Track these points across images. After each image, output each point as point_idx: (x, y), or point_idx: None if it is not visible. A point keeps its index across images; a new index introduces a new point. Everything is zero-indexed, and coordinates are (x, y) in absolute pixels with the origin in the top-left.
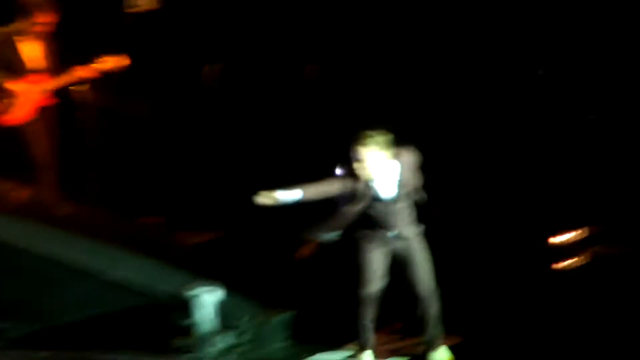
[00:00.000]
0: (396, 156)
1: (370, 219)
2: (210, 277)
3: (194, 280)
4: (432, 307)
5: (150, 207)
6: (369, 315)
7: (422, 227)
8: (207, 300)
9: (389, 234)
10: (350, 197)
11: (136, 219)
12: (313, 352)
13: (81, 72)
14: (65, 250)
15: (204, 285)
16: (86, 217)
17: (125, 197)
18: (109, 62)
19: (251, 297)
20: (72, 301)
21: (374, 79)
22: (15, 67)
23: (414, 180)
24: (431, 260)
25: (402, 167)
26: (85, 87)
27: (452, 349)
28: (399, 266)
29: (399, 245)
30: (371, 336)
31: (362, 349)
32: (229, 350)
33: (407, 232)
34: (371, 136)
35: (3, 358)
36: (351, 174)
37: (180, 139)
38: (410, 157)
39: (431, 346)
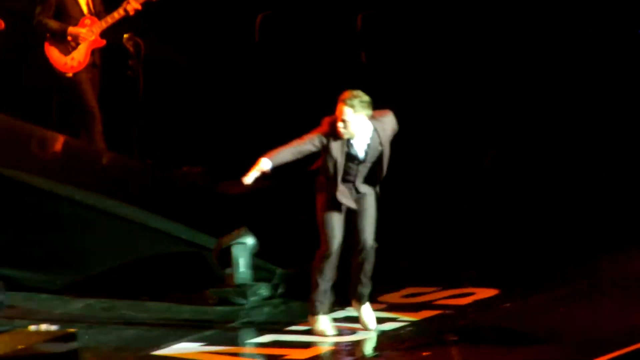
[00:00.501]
0: (374, 119)
1: (335, 174)
2: (248, 228)
3: (231, 231)
4: (368, 260)
5: (191, 157)
6: (330, 276)
7: (377, 189)
8: (243, 252)
9: (350, 190)
10: (323, 153)
11: (178, 168)
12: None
13: (129, 5)
14: (107, 199)
15: (240, 236)
16: (129, 166)
17: (168, 146)
18: None
19: (284, 250)
20: (111, 249)
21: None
22: (72, 13)
23: (386, 145)
24: (376, 220)
25: (378, 131)
26: (132, 35)
27: (490, 300)
28: (348, 217)
29: (355, 198)
30: (330, 299)
31: (317, 313)
32: (263, 301)
33: (364, 189)
34: (355, 96)
35: (41, 307)
36: (326, 132)
37: (224, 89)
38: (388, 123)
39: (359, 299)
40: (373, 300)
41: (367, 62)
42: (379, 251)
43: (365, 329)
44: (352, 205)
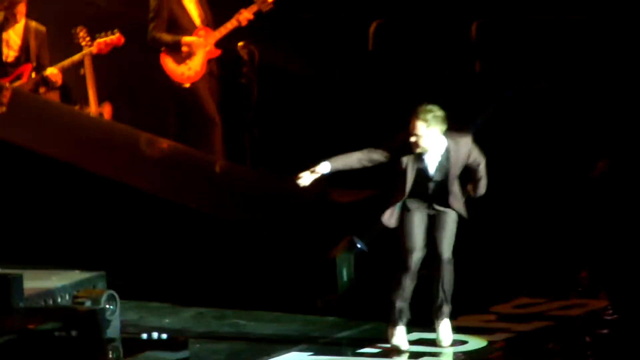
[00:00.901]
0: (449, 137)
1: (404, 188)
2: (359, 236)
3: (340, 240)
4: (444, 275)
5: (305, 164)
6: (408, 287)
7: (460, 211)
8: (347, 262)
9: (426, 206)
10: (394, 167)
11: (290, 176)
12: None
13: (242, 15)
14: (218, 207)
15: (349, 246)
16: (242, 174)
17: (281, 154)
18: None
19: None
20: (218, 256)
21: None
22: (185, 25)
23: (459, 165)
24: (453, 237)
25: (451, 150)
26: (246, 43)
27: (601, 312)
28: (427, 232)
29: (432, 214)
30: (407, 310)
31: (395, 323)
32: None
33: (441, 207)
34: (429, 110)
35: (151, 316)
36: (399, 145)
37: (338, 96)
38: (463, 145)
39: (436, 315)
40: (484, 310)
41: (480, 71)
42: (489, 262)
43: (439, 345)
44: (392, 222)
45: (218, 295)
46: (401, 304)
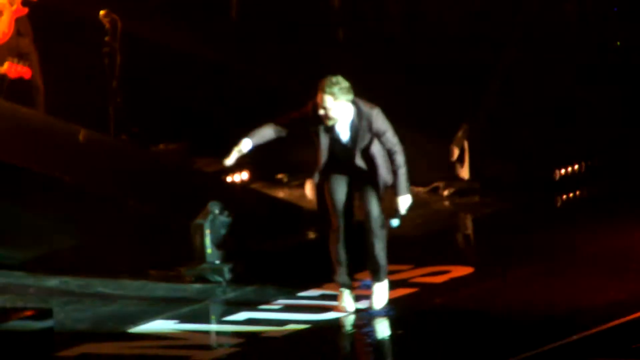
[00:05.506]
0: (355, 105)
1: (329, 157)
2: (220, 204)
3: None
4: (375, 233)
5: (169, 134)
6: (341, 251)
7: (384, 177)
8: (216, 229)
9: (346, 170)
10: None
11: (155, 145)
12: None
13: None
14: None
15: (211, 213)
16: (102, 142)
17: (145, 123)
18: None
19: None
20: (79, 225)
21: None
22: None
23: (364, 132)
24: (378, 196)
25: (355, 117)
26: (108, 12)
27: (465, 278)
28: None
29: (355, 178)
30: (346, 273)
31: (339, 287)
32: (236, 279)
33: (361, 171)
34: (335, 83)
35: (15, 284)
36: (311, 114)
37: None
38: (364, 112)
39: (371, 276)
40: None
41: (342, 40)
42: None
43: (370, 307)
44: (310, 192)
45: (83, 264)
46: (339, 267)
